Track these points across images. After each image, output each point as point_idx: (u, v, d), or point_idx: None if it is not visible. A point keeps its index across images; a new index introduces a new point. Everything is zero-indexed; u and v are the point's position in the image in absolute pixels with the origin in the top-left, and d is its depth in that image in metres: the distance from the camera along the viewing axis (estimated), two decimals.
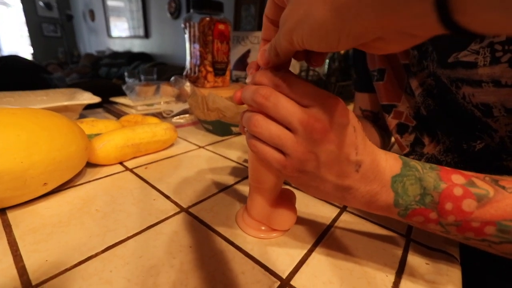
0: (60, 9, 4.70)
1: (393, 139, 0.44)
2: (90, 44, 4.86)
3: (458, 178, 0.21)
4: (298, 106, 0.19)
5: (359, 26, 0.13)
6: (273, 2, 0.20)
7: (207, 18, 0.75)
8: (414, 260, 0.26)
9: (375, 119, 0.48)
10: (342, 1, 0.13)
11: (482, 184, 0.21)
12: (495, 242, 0.21)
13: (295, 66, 1.05)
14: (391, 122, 0.41)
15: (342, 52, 1.12)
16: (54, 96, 0.63)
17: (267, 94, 0.19)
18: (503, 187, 0.20)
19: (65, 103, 0.53)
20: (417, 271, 0.25)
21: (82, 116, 0.62)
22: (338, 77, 0.99)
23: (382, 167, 0.21)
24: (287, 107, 0.19)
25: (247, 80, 0.23)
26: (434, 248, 0.28)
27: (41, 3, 4.46)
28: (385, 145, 0.48)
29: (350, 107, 0.59)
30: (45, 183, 0.29)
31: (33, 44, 4.59)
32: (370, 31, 0.13)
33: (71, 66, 3.61)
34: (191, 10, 0.79)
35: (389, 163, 0.21)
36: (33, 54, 4.60)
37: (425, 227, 0.22)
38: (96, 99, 0.58)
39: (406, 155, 0.40)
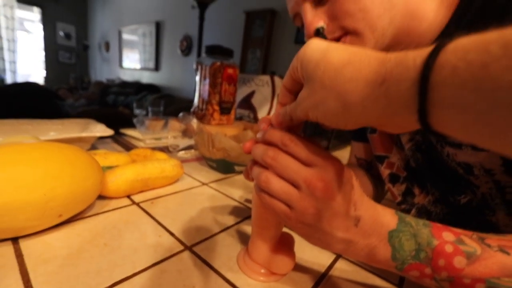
0: (78, 39, 5.03)
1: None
2: (101, 72, 5.10)
3: (448, 235, 0.23)
4: (302, 166, 0.22)
5: (362, 120, 0.18)
6: (290, 76, 0.24)
7: (218, 63, 0.82)
8: None
9: (368, 167, 0.51)
10: (352, 103, 0.17)
11: (470, 242, 0.22)
12: None
13: None
14: (384, 171, 0.44)
15: None
16: (69, 126, 0.67)
17: (275, 156, 0.22)
18: (489, 245, 0.22)
19: (80, 134, 0.57)
20: None
21: (93, 146, 0.65)
22: None
23: (380, 222, 0.23)
24: (292, 167, 0.22)
25: (258, 135, 0.26)
26: None
27: (61, 33, 4.78)
28: (378, 193, 0.50)
29: (348, 149, 0.62)
30: (60, 215, 0.31)
31: (47, 68, 4.81)
32: (372, 122, 0.18)
33: (80, 92, 3.75)
34: (204, 54, 0.87)
35: (386, 218, 0.23)
36: (46, 78, 4.80)
37: (420, 281, 0.23)
38: (109, 132, 0.61)
39: (399, 204, 0.42)
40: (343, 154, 0.75)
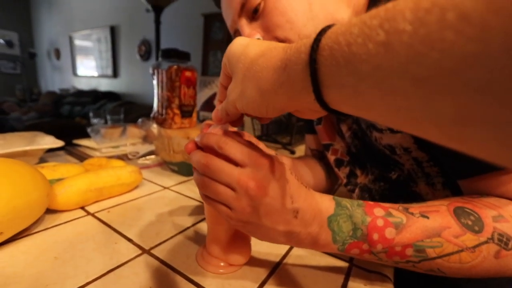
0: (22, 46, 4.59)
1: None
2: (53, 82, 4.71)
3: (379, 211, 0.25)
4: (234, 167, 0.22)
5: (277, 105, 0.19)
6: (223, 73, 0.26)
7: (175, 66, 0.81)
8: (355, 282, 0.30)
9: (321, 156, 0.56)
10: (266, 89, 0.19)
11: (397, 213, 0.25)
12: (415, 261, 0.25)
13: None
14: (330, 157, 0.49)
15: None
16: (11, 140, 0.62)
17: (208, 163, 0.23)
18: (412, 214, 0.25)
19: (25, 148, 0.53)
20: None
21: (42, 160, 0.60)
22: (298, 118, 1.09)
23: (319, 209, 0.24)
24: (225, 170, 0.22)
25: (196, 138, 0.26)
26: (372, 271, 0.32)
27: (1, 41, 4.33)
28: (331, 179, 0.55)
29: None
30: (1, 233, 0.29)
31: None
32: (287, 107, 0.19)
33: (30, 104, 3.43)
34: (160, 58, 0.85)
35: (325, 204, 0.25)
36: None
37: (362, 257, 0.26)
38: (58, 143, 0.58)
39: (345, 185, 0.47)
40: (304, 148, 0.79)
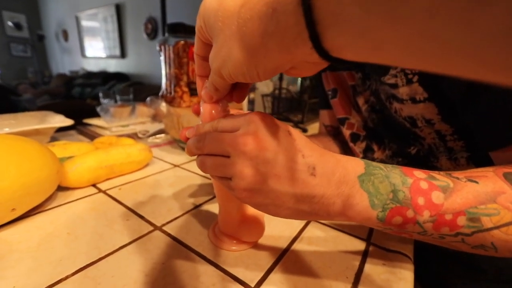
0: (31, 29, 4.57)
1: None
2: (63, 64, 4.73)
3: (419, 173, 0.21)
4: (227, 134, 0.20)
5: (270, 63, 0.16)
6: (200, 41, 0.21)
7: (182, 42, 0.78)
8: (372, 263, 0.28)
9: (336, 133, 0.53)
10: (253, 45, 0.15)
11: (441, 177, 0.21)
12: (467, 234, 0.20)
13: (268, 85, 1.10)
14: (346, 132, 0.47)
15: None
16: (23, 120, 0.62)
17: (201, 139, 0.22)
18: (457, 178, 0.21)
19: (35, 126, 0.52)
20: (374, 271, 0.27)
21: (53, 139, 0.61)
22: (310, 94, 1.05)
23: (344, 167, 0.20)
24: (217, 139, 0.20)
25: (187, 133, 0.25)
26: (391, 250, 0.31)
27: (9, 23, 4.32)
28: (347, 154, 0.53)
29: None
30: (13, 209, 0.29)
31: (1, 64, 4.38)
32: (281, 65, 0.16)
33: (43, 87, 3.48)
34: (166, 34, 0.82)
35: (351, 163, 0.21)
36: (1, 74, 4.38)
37: (404, 229, 0.21)
38: (68, 122, 0.57)
39: None
40: (317, 126, 0.76)
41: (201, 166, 0.23)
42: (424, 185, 0.20)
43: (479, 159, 0.32)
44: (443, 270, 0.39)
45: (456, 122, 0.32)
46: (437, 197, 0.20)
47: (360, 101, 0.44)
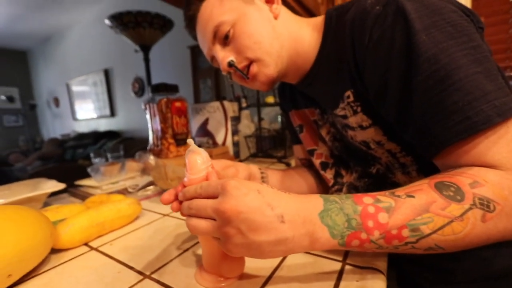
0: (23, 99, 4.76)
1: None
2: (54, 128, 4.84)
3: (367, 199, 0.26)
4: (210, 200, 0.26)
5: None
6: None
7: (164, 99, 0.86)
8: (347, 280, 0.31)
9: (309, 164, 0.58)
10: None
11: (385, 198, 0.26)
12: (413, 241, 0.25)
13: (250, 126, 1.17)
14: (316, 162, 0.52)
15: None
16: (16, 189, 0.65)
17: (190, 204, 0.27)
18: (398, 196, 0.26)
19: (28, 195, 0.55)
20: None
21: (46, 204, 0.63)
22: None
23: (306, 209, 0.25)
24: (202, 205, 0.26)
25: (180, 198, 0.31)
26: (365, 267, 0.33)
27: (2, 97, 4.51)
28: (323, 184, 0.56)
29: None
30: (9, 275, 0.31)
31: None
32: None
33: (35, 152, 3.50)
34: (150, 94, 0.90)
35: (312, 203, 0.25)
36: None
37: (363, 248, 0.25)
38: (60, 186, 0.60)
39: (332, 186, 0.50)
40: None
41: (192, 229, 0.27)
42: (371, 209, 0.25)
43: (427, 169, 0.36)
44: (415, 276, 0.41)
45: (401, 140, 0.37)
46: (382, 217, 0.24)
47: (323, 132, 0.50)
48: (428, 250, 0.25)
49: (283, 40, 0.40)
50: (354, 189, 0.47)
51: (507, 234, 0.25)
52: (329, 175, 0.50)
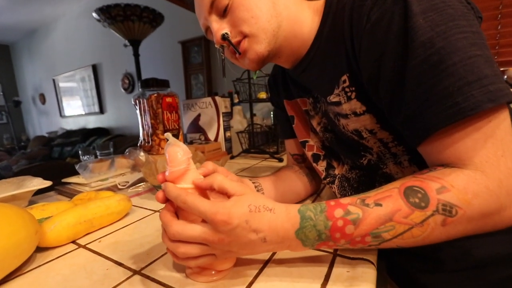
0: (6, 96, 4.60)
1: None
2: (40, 126, 4.70)
3: (338, 212, 0.28)
4: (197, 228, 0.28)
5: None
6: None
7: (155, 94, 0.84)
8: (338, 270, 0.31)
9: (303, 160, 0.58)
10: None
11: (354, 209, 0.28)
12: (376, 244, 0.28)
13: (242, 122, 1.17)
14: (308, 154, 0.52)
15: None
16: (0, 187, 0.63)
17: (176, 232, 0.28)
18: (367, 205, 0.28)
19: (12, 192, 0.53)
20: (338, 279, 0.30)
21: (32, 202, 0.61)
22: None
23: (285, 229, 0.28)
24: (191, 234, 0.28)
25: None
26: (355, 258, 0.33)
27: None
28: (316, 180, 0.56)
29: None
30: None
31: None
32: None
33: (23, 151, 3.40)
34: (140, 89, 0.88)
35: (291, 222, 0.29)
36: None
37: (331, 248, 0.32)
38: (46, 184, 0.59)
39: (324, 178, 0.50)
40: None
41: (184, 255, 0.29)
42: (340, 223, 0.28)
43: (419, 159, 0.36)
44: (405, 266, 0.42)
45: (393, 129, 0.37)
46: (349, 229, 0.28)
47: (314, 123, 0.49)
48: (390, 248, 0.29)
49: (281, 19, 0.39)
50: (346, 181, 0.47)
51: (467, 233, 0.27)
52: (320, 167, 0.50)
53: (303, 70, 0.44)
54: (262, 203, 0.29)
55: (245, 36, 0.39)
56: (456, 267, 0.36)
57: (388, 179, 0.41)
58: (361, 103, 0.37)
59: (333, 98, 0.40)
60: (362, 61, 0.33)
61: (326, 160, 0.50)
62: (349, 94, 0.38)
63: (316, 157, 0.51)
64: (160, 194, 0.30)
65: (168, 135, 0.31)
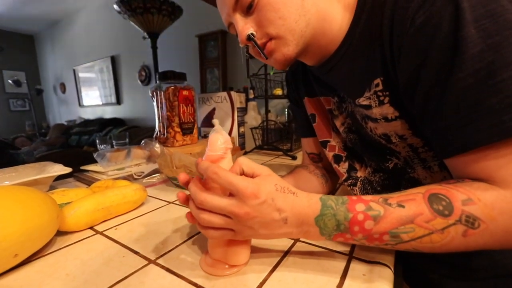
0: (29, 84, 4.79)
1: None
2: (60, 114, 4.87)
3: (360, 206, 0.28)
4: (225, 200, 0.28)
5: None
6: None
7: (172, 87, 0.85)
8: (354, 273, 0.31)
9: (318, 159, 0.56)
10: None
11: (376, 206, 0.28)
12: (393, 244, 0.28)
13: (256, 118, 1.16)
14: (329, 154, 0.50)
15: None
16: (23, 172, 0.65)
17: (204, 200, 0.28)
18: (390, 204, 0.28)
19: (34, 177, 0.55)
20: (354, 283, 0.29)
21: (52, 187, 0.63)
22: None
23: (306, 213, 0.29)
24: (217, 205, 0.28)
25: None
26: (371, 261, 0.33)
27: (9, 81, 4.54)
28: (331, 181, 0.55)
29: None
30: (16, 254, 0.31)
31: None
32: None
33: (42, 138, 3.54)
34: (158, 81, 0.89)
35: (311, 208, 0.29)
36: None
37: (346, 241, 0.30)
38: (66, 170, 0.61)
39: (345, 180, 0.48)
40: None
41: (206, 223, 0.29)
42: (360, 217, 0.28)
43: None
44: (428, 272, 0.41)
45: (426, 136, 0.35)
46: (368, 224, 0.27)
47: (338, 123, 0.48)
48: (406, 250, 0.29)
49: (310, 17, 0.36)
50: (369, 184, 0.46)
51: (486, 247, 0.27)
52: (342, 169, 0.49)
53: (330, 69, 0.41)
54: (286, 185, 0.30)
55: (271, 37, 0.38)
56: (485, 275, 0.35)
57: (415, 184, 0.39)
58: (394, 108, 0.35)
59: (362, 101, 0.39)
60: (401, 66, 0.31)
61: (348, 162, 0.48)
62: (381, 98, 0.36)
63: (337, 158, 0.49)
64: (180, 194, 0.32)
65: (215, 121, 0.33)
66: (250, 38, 0.38)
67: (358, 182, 0.47)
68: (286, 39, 0.37)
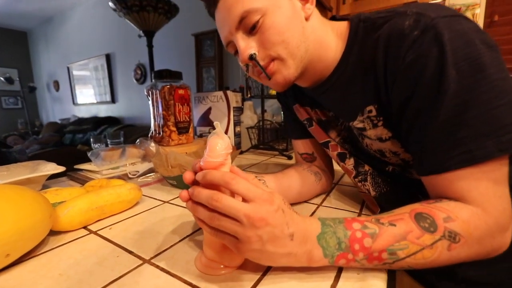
0: (22, 82, 4.71)
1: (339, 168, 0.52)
2: (53, 112, 4.81)
3: (356, 225, 0.30)
4: (241, 203, 0.27)
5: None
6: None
7: (167, 86, 0.84)
8: (348, 272, 0.31)
9: (312, 159, 0.57)
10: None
11: (371, 225, 0.30)
12: (390, 263, 0.29)
13: (253, 118, 1.16)
14: (332, 154, 0.51)
15: None
16: (15, 171, 0.64)
17: (219, 198, 0.26)
18: (382, 224, 0.30)
19: (27, 176, 0.55)
20: (348, 282, 0.29)
21: (45, 187, 0.62)
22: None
23: (309, 230, 0.29)
24: (234, 206, 0.26)
25: (197, 177, 0.29)
26: None
27: (2, 78, 4.46)
28: (323, 181, 0.55)
29: None
30: (7, 254, 0.31)
31: None
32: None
33: (35, 137, 3.49)
34: (153, 80, 0.89)
35: (313, 226, 0.30)
36: None
37: (349, 266, 0.30)
38: (59, 169, 0.60)
39: (355, 177, 0.48)
40: None
41: (213, 221, 0.28)
42: (358, 234, 0.29)
43: None
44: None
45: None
46: (367, 242, 0.29)
47: (333, 134, 0.49)
48: (404, 268, 0.30)
49: (309, 44, 0.39)
50: (378, 176, 0.46)
51: (468, 259, 0.30)
52: (349, 165, 0.48)
53: (323, 92, 0.44)
54: (288, 204, 0.30)
55: (273, 59, 0.39)
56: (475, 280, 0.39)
57: (417, 185, 0.40)
58: (388, 130, 0.39)
59: (356, 124, 0.42)
60: (394, 95, 0.35)
61: (353, 158, 0.48)
62: (375, 122, 0.39)
63: (342, 156, 0.49)
64: (183, 192, 0.30)
65: (217, 124, 0.31)
66: (252, 57, 0.38)
67: (368, 176, 0.47)
68: (287, 62, 0.39)
